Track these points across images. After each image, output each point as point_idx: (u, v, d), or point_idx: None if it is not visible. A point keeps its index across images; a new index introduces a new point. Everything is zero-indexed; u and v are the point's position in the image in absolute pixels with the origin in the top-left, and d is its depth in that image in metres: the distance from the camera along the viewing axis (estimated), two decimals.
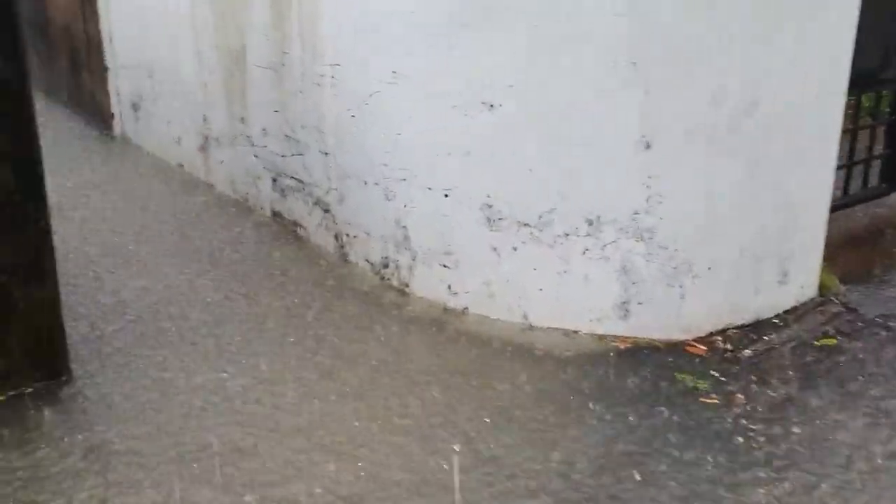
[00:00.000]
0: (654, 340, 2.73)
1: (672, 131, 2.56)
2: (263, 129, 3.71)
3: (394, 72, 2.88)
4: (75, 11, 5.38)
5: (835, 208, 2.99)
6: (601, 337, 2.76)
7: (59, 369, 2.46)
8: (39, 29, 6.13)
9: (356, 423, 2.29)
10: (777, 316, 2.84)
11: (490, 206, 2.78)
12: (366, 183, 3.13)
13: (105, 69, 5.13)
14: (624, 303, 2.72)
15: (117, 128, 5.22)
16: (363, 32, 2.98)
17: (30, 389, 2.39)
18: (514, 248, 2.78)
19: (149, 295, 3.04)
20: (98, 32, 5.09)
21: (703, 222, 2.65)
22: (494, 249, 2.81)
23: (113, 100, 5.17)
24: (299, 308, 2.97)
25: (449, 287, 2.95)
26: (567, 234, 2.70)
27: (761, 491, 2.03)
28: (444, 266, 2.94)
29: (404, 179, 2.96)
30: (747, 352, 2.64)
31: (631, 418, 2.32)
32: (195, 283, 3.15)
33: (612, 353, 2.67)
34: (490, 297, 2.87)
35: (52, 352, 2.43)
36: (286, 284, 3.16)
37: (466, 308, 2.93)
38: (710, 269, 2.69)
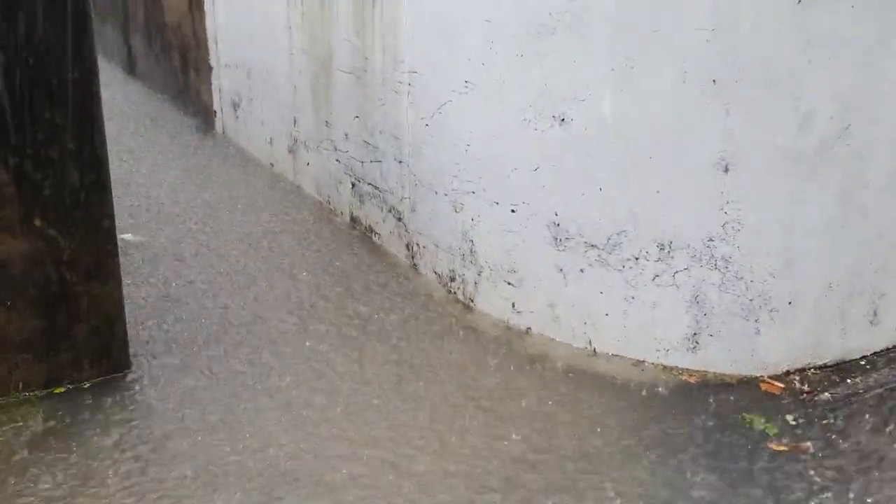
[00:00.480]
0: (724, 376, 2.56)
1: (754, 154, 2.38)
2: (345, 135, 3.71)
3: (466, 81, 2.81)
4: (185, 11, 5.57)
5: None
6: (668, 369, 2.60)
7: (120, 364, 2.51)
8: (154, 28, 6.39)
9: (419, 439, 2.24)
10: (865, 358, 2.61)
11: (557, 225, 2.67)
12: (436, 193, 3.07)
13: (209, 68, 5.28)
14: (695, 334, 2.56)
15: (219, 125, 5.37)
16: (440, 39, 2.92)
17: (88, 384, 2.45)
18: (581, 270, 2.66)
19: (220, 288, 3.09)
20: (204, 32, 5.25)
21: (785, 253, 2.46)
22: (560, 270, 2.70)
23: (215, 98, 5.32)
24: (364, 315, 2.94)
25: (513, 305, 2.85)
26: (636, 259, 2.56)
27: None
28: (509, 283, 2.84)
29: (472, 192, 2.89)
30: (826, 395, 2.44)
31: (686, 464, 2.17)
32: (269, 282, 3.18)
33: (678, 387, 2.51)
34: (554, 320, 2.76)
35: (113, 346, 2.49)
36: (355, 290, 3.14)
37: (529, 328, 2.82)
38: (790, 303, 2.49)
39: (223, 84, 5.20)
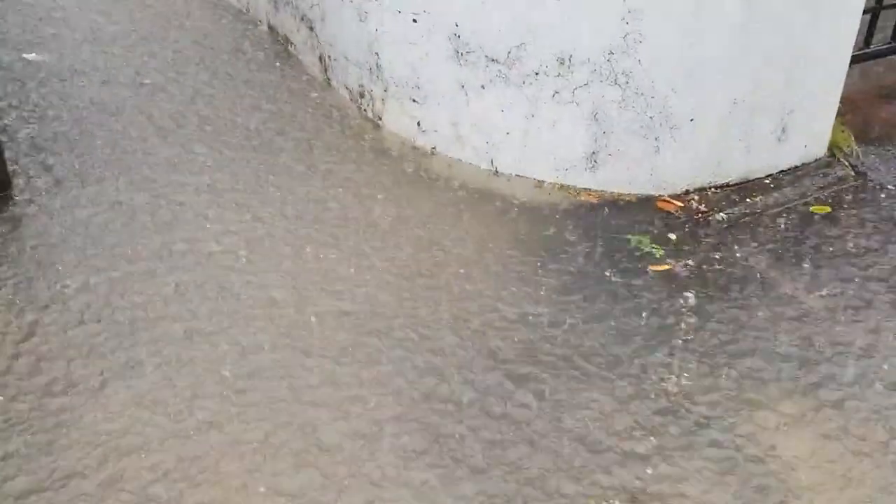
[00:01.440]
0: (623, 195, 2.50)
1: None
2: None
3: None
4: None
5: (858, 58, 2.58)
6: (568, 188, 2.54)
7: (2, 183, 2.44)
8: None
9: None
10: (770, 177, 2.55)
11: (458, 37, 2.51)
12: (343, 3, 2.87)
13: None
14: (594, 153, 2.48)
15: None
16: None
17: None
18: (482, 87, 2.54)
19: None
20: None
21: (687, 67, 2.33)
22: (462, 87, 2.57)
23: None
24: (270, 132, 2.84)
25: (418, 124, 2.75)
26: (537, 74, 2.43)
27: (659, 375, 1.88)
28: (414, 101, 2.72)
29: (376, 0, 2.70)
30: (722, 215, 2.39)
31: (566, 278, 2.16)
32: (175, 94, 3.04)
33: (574, 207, 2.46)
34: (457, 139, 2.67)
35: None
36: (262, 105, 3.01)
37: (434, 148, 2.73)
38: (692, 120, 2.39)
39: None
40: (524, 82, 2.46)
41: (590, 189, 2.52)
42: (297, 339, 1.96)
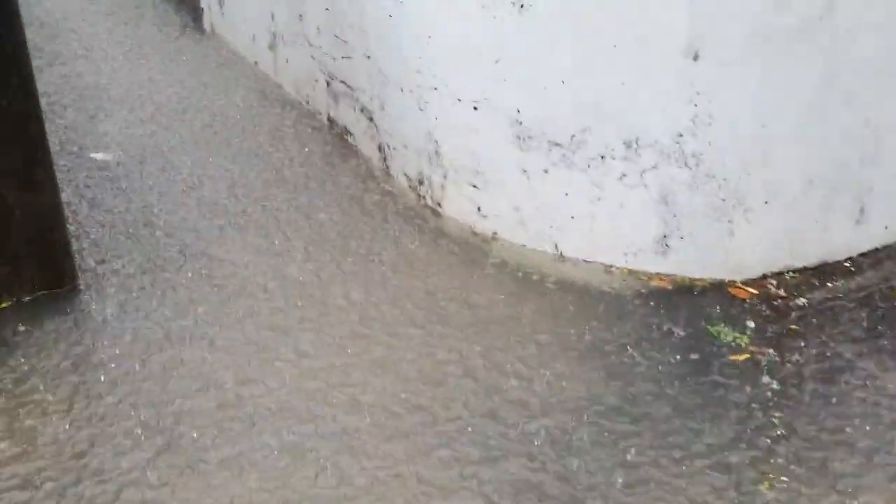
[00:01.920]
0: (697, 280, 2.40)
1: (726, 39, 2.16)
2: (318, 28, 3.50)
3: None
4: None
5: None
6: (638, 273, 2.45)
7: (63, 278, 2.44)
8: None
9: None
10: (850, 259, 2.43)
11: (520, 123, 2.49)
12: (402, 90, 2.89)
13: None
14: (664, 237, 2.40)
15: (206, 21, 5.16)
16: None
17: (28, 298, 2.38)
18: (545, 171, 2.49)
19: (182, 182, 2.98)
20: None
21: (760, 147, 2.26)
22: (524, 171, 2.53)
23: None
24: (328, 220, 2.82)
25: (479, 209, 2.70)
26: (602, 157, 2.38)
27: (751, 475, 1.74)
28: (474, 186, 2.69)
29: (435, 88, 2.70)
30: (802, 300, 2.28)
31: (641, 369, 2.05)
32: (240, 180, 3.06)
33: (645, 293, 2.37)
34: (520, 224, 2.61)
35: (54, 259, 2.41)
36: (324, 193, 3.01)
37: (496, 233, 2.68)
38: (766, 202, 2.31)
39: None
40: (589, 166, 2.41)
41: (661, 274, 2.43)
42: (383, 426, 1.88)
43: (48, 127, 2.45)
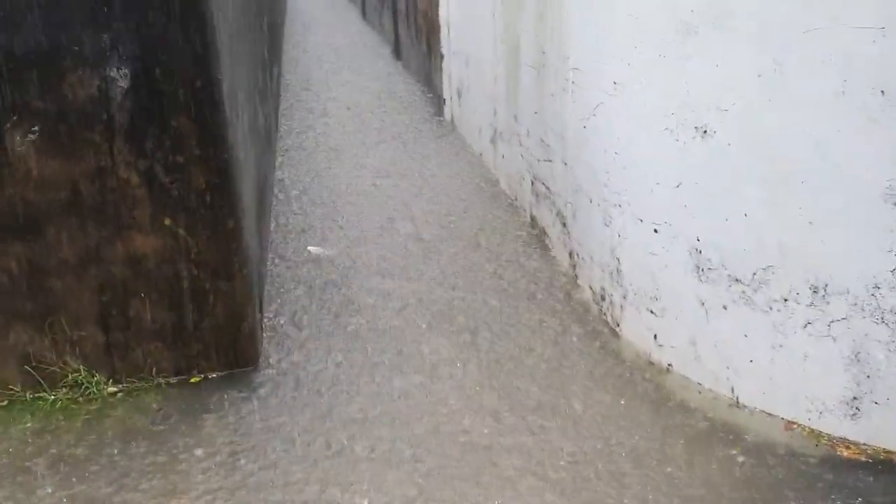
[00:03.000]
0: (891, 453, 2.06)
1: None
2: (528, 130, 3.53)
3: (615, 82, 2.52)
4: None
5: None
6: (822, 436, 2.15)
7: (246, 358, 2.61)
8: (412, 13, 6.58)
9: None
10: None
11: (699, 252, 2.31)
12: (591, 201, 2.81)
13: (441, 56, 5.33)
14: (855, 398, 2.09)
15: (447, 112, 5.41)
16: (596, 33, 2.64)
17: (215, 375, 2.58)
18: (724, 307, 2.28)
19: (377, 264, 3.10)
20: (438, 19, 5.29)
21: None
22: (702, 304, 2.34)
23: (445, 84, 5.36)
24: (511, 328, 2.79)
25: (655, 337, 2.53)
26: (785, 300, 2.14)
27: None
28: (652, 312, 2.52)
29: (619, 205, 2.60)
30: None
31: None
32: (447, 279, 3.14)
33: (830, 462, 2.07)
34: (695, 359, 2.41)
35: (240, 341, 2.59)
36: (515, 297, 2.99)
37: (671, 365, 2.49)
38: None
39: (452, 71, 5.22)
40: (771, 307, 2.17)
41: (849, 441, 2.11)
42: None
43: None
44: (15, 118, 2.28)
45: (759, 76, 2.04)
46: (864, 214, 1.95)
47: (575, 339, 2.73)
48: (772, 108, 2.04)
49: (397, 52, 7.59)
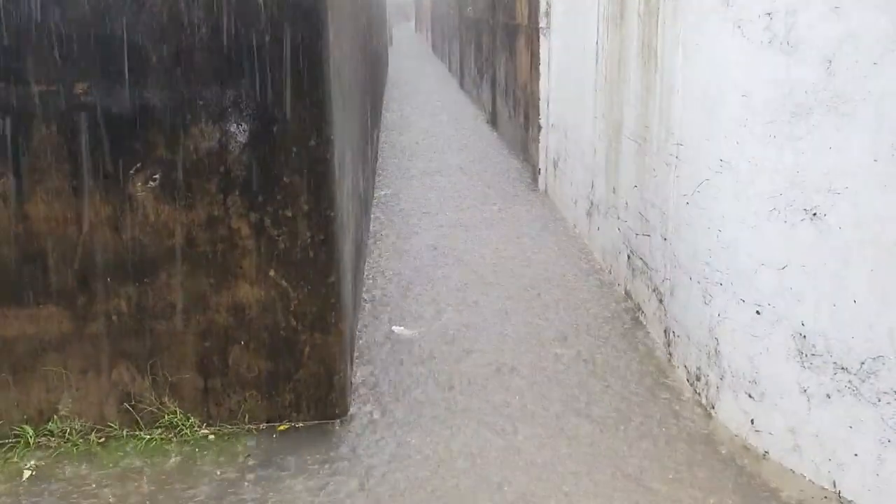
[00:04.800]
0: None
1: None
2: (626, 203, 3.53)
3: (721, 160, 2.50)
4: (530, 72, 5.76)
5: None
6: None
7: (336, 411, 2.64)
8: (510, 86, 6.71)
9: None
10: None
11: (804, 337, 2.24)
12: (690, 279, 2.77)
13: (539, 127, 5.40)
14: None
15: (542, 182, 5.45)
16: (703, 110, 2.64)
17: (303, 424, 2.61)
18: (828, 396, 2.20)
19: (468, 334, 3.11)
20: (538, 92, 5.38)
21: None
22: (804, 391, 2.26)
23: (541, 155, 5.41)
24: (601, 408, 2.74)
25: (752, 422, 2.45)
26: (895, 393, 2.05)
27: None
28: (749, 396, 2.45)
29: (720, 284, 2.55)
30: None
31: None
32: (515, 341, 3.13)
33: None
34: (795, 449, 2.31)
35: (331, 394, 2.63)
36: (606, 376, 2.94)
37: (767, 453, 2.40)
38: None
39: (549, 143, 5.27)
40: (880, 400, 2.08)
41: None
42: None
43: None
44: (138, 165, 2.42)
45: (874, 160, 1.99)
46: None
47: (666, 413, 2.66)
48: (887, 194, 1.99)
49: (493, 122, 7.72)
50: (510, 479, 2.35)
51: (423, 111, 8.99)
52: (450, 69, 12.23)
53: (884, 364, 2.06)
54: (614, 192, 3.71)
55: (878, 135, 1.99)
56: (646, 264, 3.27)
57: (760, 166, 2.33)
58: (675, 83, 2.87)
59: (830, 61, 2.06)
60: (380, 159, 6.42)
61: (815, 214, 2.16)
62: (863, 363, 2.10)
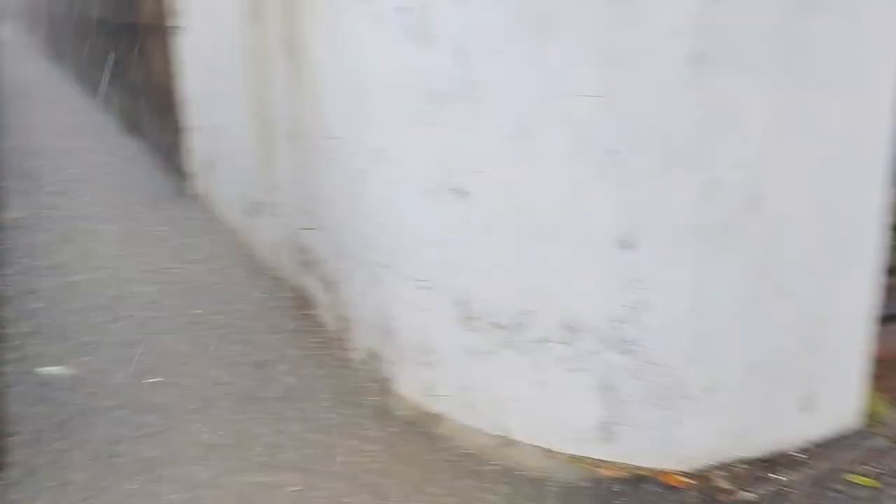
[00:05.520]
0: (641, 469, 2.33)
1: (656, 229, 2.19)
2: (289, 199, 3.60)
3: (376, 149, 2.67)
4: (168, 71, 5.57)
5: (889, 318, 2.47)
6: (583, 460, 2.39)
7: None
8: (146, 88, 6.42)
9: None
10: (803, 450, 2.36)
11: (465, 303, 2.49)
12: (359, 266, 2.92)
13: (185, 130, 5.26)
14: (606, 423, 2.35)
15: (195, 187, 5.32)
16: (353, 103, 2.79)
17: None
18: (490, 353, 2.47)
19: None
20: (180, 94, 5.23)
21: (698, 336, 2.24)
22: (470, 352, 2.52)
23: (191, 159, 5.28)
24: (276, 396, 2.79)
25: (428, 389, 2.67)
26: (544, 341, 2.37)
27: None
28: (424, 365, 2.67)
29: (388, 266, 2.73)
30: (749, 494, 2.19)
31: None
32: (190, 352, 3.05)
33: (591, 482, 2.29)
34: (467, 405, 2.57)
35: None
36: (278, 367, 2.99)
37: (444, 414, 2.64)
38: (707, 390, 2.27)
39: (199, 145, 5.16)
40: (532, 349, 2.39)
41: (605, 461, 2.36)
42: None
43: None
44: None
45: (508, 139, 2.28)
46: (602, 259, 2.24)
47: (345, 393, 2.80)
48: (519, 169, 2.29)
49: (133, 129, 7.34)
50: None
51: (54, 128, 8.22)
52: (74, 75, 11.32)
53: (531, 317, 2.37)
54: (275, 189, 3.76)
55: (504, 117, 2.28)
56: (314, 256, 3.37)
57: (411, 153, 2.53)
58: (324, 78, 2.99)
59: (460, 51, 2.31)
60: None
61: (461, 192, 2.40)
62: (515, 319, 2.40)
